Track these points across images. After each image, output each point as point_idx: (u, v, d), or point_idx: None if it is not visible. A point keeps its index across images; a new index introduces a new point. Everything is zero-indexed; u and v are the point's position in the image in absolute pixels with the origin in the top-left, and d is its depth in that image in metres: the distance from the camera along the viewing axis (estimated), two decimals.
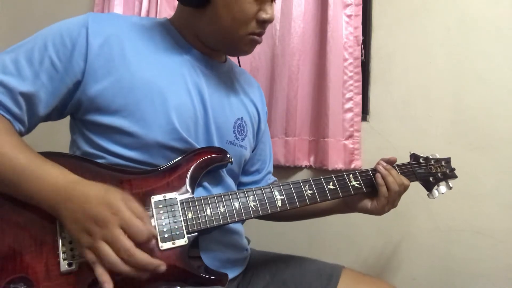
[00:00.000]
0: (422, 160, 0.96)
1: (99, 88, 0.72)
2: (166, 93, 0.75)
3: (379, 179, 0.85)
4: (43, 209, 0.64)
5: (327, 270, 0.92)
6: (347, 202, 0.92)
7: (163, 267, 0.62)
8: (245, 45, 0.82)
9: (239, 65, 1.02)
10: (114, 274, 0.60)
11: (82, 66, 0.71)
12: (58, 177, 0.63)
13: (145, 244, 0.62)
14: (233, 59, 1.00)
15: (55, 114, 0.76)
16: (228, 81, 0.91)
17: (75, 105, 0.74)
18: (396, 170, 0.89)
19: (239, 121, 0.89)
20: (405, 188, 0.87)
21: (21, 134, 0.71)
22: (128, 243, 0.59)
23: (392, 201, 0.86)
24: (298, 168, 1.52)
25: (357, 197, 0.89)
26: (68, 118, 0.80)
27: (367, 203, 0.88)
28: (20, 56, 0.70)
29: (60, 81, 0.71)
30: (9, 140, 0.65)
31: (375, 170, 0.88)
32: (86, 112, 0.74)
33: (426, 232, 1.40)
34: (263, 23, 0.80)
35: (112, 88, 0.72)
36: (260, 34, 0.82)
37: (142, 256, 0.59)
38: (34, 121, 0.73)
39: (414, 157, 0.97)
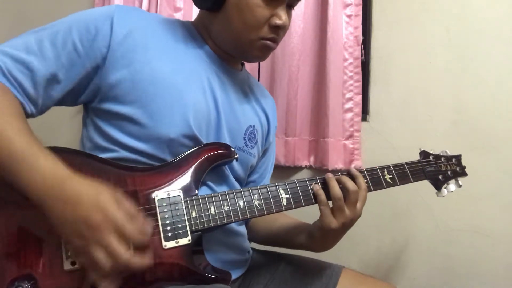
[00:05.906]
0: (432, 158, 0.93)
1: (118, 76, 0.72)
2: (183, 90, 0.76)
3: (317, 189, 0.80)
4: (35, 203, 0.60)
5: (327, 270, 0.91)
6: (317, 236, 0.83)
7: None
8: (256, 50, 0.81)
9: (258, 73, 1.00)
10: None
11: (104, 52, 0.72)
12: (47, 172, 0.59)
13: (148, 243, 0.61)
14: (252, 68, 0.95)
15: (70, 99, 0.75)
16: (242, 89, 0.90)
17: (92, 91, 0.74)
18: (365, 176, 0.83)
19: (250, 128, 0.89)
20: (352, 193, 0.78)
21: (32, 115, 0.71)
22: (122, 250, 0.56)
23: (338, 209, 0.78)
24: (298, 168, 1.51)
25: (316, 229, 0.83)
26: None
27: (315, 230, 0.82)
28: (44, 37, 0.71)
29: (81, 65, 0.72)
30: (14, 123, 0.62)
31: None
32: (102, 100, 0.74)
33: (426, 232, 1.40)
34: (276, 29, 0.79)
35: (131, 79, 0.72)
36: (272, 40, 0.80)
37: (137, 262, 0.57)
38: (47, 103, 0.73)
39: (424, 154, 0.93)
